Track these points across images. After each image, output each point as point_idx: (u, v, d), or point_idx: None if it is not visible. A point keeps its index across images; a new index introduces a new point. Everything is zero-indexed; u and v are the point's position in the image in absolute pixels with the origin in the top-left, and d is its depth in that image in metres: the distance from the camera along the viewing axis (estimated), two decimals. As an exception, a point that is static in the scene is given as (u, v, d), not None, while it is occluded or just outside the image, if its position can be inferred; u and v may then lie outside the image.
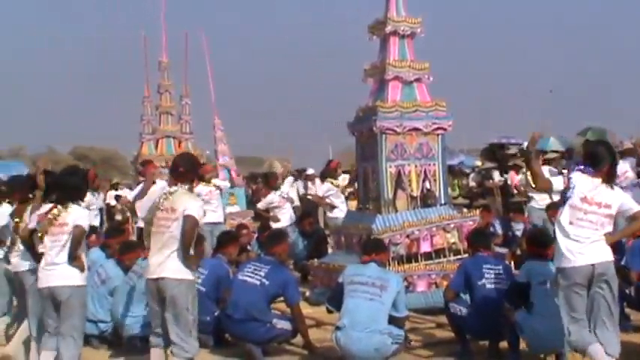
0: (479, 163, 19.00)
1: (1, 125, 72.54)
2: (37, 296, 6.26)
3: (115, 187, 21.44)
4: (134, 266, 7.60)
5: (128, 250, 7.92)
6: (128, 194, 18.62)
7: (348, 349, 6.31)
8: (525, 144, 17.32)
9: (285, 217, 12.85)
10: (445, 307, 7.04)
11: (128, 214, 14.20)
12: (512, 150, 17.39)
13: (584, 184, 5.72)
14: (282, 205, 12.96)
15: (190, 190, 6.13)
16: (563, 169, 13.88)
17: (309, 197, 16.06)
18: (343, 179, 15.51)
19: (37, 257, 6.29)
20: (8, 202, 7.45)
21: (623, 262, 7.25)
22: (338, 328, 6.37)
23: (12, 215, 7.16)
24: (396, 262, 8.74)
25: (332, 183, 13.68)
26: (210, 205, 10.67)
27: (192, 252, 5.95)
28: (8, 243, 7.09)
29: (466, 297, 7.04)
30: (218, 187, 12.20)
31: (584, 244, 5.63)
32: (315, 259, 10.02)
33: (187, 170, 6.12)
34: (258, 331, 6.89)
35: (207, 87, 16.84)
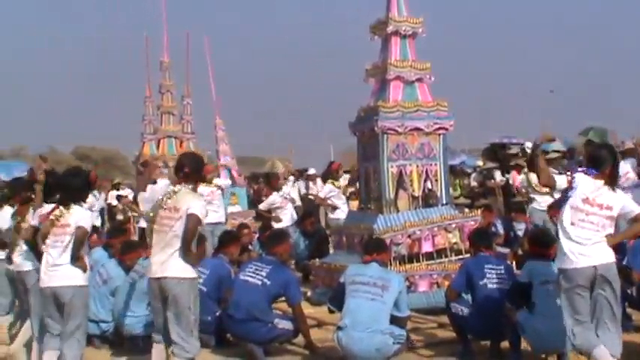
0: (480, 162, 18.99)
1: (3, 125, 72.63)
2: (40, 296, 6.26)
3: (116, 187, 21.38)
4: (135, 266, 7.61)
5: (129, 250, 7.93)
6: (130, 194, 18.69)
7: (349, 349, 6.31)
8: (527, 144, 17.45)
9: (286, 218, 12.86)
10: (447, 307, 7.04)
11: (130, 214, 14.20)
12: (514, 150, 17.39)
13: (587, 185, 5.73)
14: (284, 206, 12.98)
15: (194, 189, 6.14)
16: (566, 171, 13.89)
17: (310, 197, 16.08)
18: (344, 179, 15.54)
19: (40, 257, 6.30)
20: (10, 205, 7.45)
21: (624, 262, 7.25)
22: (339, 328, 6.37)
23: (13, 216, 7.17)
24: (398, 262, 8.74)
25: (333, 184, 13.71)
26: (211, 205, 10.68)
27: (193, 249, 5.97)
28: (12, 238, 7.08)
29: (468, 297, 7.04)
30: (220, 187, 12.21)
31: (585, 246, 5.63)
32: (317, 259, 10.02)
33: (192, 171, 6.13)
34: (259, 331, 6.90)
35: (209, 87, 16.86)
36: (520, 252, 10.52)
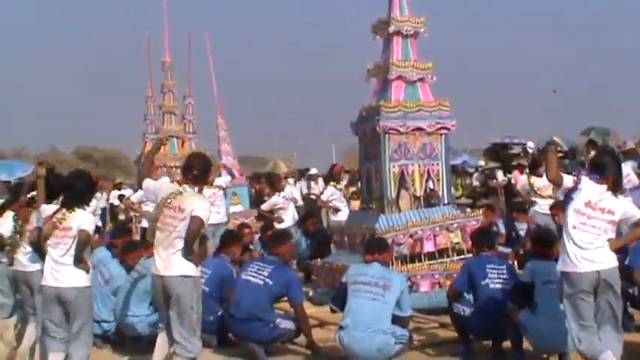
0: (482, 162, 19.00)
1: (4, 125, 72.74)
2: (42, 296, 6.26)
3: (118, 186, 21.46)
4: (137, 266, 7.61)
5: (130, 250, 7.93)
6: (131, 194, 18.71)
7: (351, 349, 6.31)
8: (529, 143, 17.41)
9: (288, 218, 12.90)
10: (449, 307, 7.04)
11: (131, 214, 14.20)
12: (516, 150, 17.40)
13: (590, 189, 5.75)
14: (286, 207, 13.00)
15: (200, 191, 6.14)
16: (568, 172, 13.87)
17: (312, 197, 16.09)
18: (344, 180, 15.55)
19: (44, 258, 6.30)
20: (12, 210, 7.46)
21: (626, 262, 7.25)
22: (341, 328, 6.37)
23: (15, 218, 7.16)
24: (400, 262, 8.74)
25: (335, 187, 13.74)
26: (213, 206, 10.66)
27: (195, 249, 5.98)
28: (13, 239, 7.07)
29: (470, 297, 7.03)
30: (221, 188, 12.22)
31: (588, 250, 5.64)
32: (319, 259, 10.02)
33: (201, 174, 6.14)
34: (261, 330, 6.90)
35: (211, 87, 16.86)
36: (522, 252, 10.50)
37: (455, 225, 9.13)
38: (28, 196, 7.26)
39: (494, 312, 6.62)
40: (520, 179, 13.49)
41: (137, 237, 11.81)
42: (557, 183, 5.95)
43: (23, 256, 6.84)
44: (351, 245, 9.63)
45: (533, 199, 12.19)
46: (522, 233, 11.38)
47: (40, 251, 6.36)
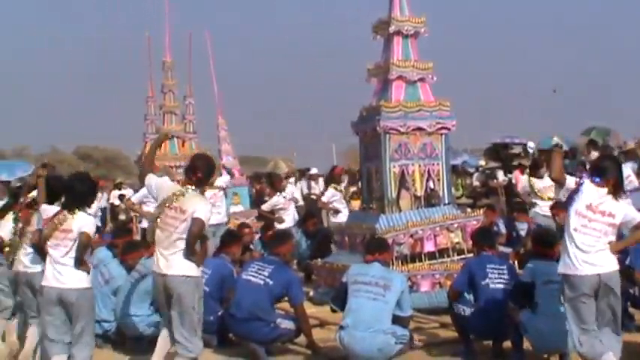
0: (482, 162, 19.00)
1: (5, 125, 72.63)
2: (42, 297, 6.24)
3: (118, 186, 21.45)
4: (137, 266, 7.61)
5: (131, 250, 7.93)
6: (132, 194, 18.71)
7: (351, 349, 6.31)
8: (529, 143, 17.39)
9: (288, 218, 12.90)
10: (449, 307, 7.04)
11: (132, 214, 14.21)
12: (516, 149, 17.40)
13: (591, 192, 5.77)
14: (287, 207, 13.01)
15: (202, 192, 6.14)
16: (569, 172, 13.85)
17: (312, 197, 16.09)
18: (343, 180, 15.56)
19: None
20: (13, 212, 7.47)
21: (627, 263, 7.24)
22: (341, 328, 6.38)
23: (15, 220, 7.16)
24: (400, 262, 8.74)
25: (335, 189, 13.74)
26: (214, 207, 10.68)
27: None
28: (14, 241, 7.05)
29: (470, 297, 7.03)
30: (221, 188, 12.23)
31: (589, 254, 5.65)
32: (319, 259, 10.02)
33: (205, 177, 6.16)
34: (261, 330, 6.90)
35: (211, 87, 16.86)
36: (522, 252, 10.50)
37: (455, 225, 9.13)
38: (29, 197, 7.26)
39: (494, 312, 6.62)
40: (521, 180, 13.49)
41: (138, 237, 11.82)
42: (560, 182, 5.96)
43: (25, 257, 6.82)
44: (352, 245, 9.63)
45: (534, 200, 12.18)
46: (523, 233, 11.37)
47: (41, 252, 6.35)
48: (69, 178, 6.55)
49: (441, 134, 9.42)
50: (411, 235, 8.94)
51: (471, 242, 8.50)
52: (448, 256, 9.05)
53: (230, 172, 14.48)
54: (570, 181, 5.89)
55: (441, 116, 9.38)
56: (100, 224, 16.48)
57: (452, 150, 11.42)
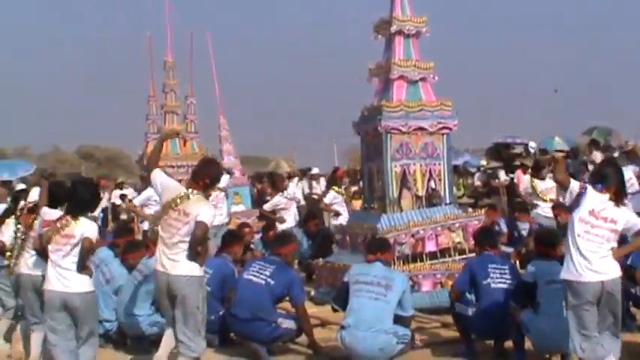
0: (484, 162, 19.00)
1: (7, 125, 72.69)
2: (45, 300, 6.22)
3: (120, 186, 21.42)
4: (139, 265, 7.61)
5: (132, 250, 7.92)
6: (133, 194, 18.68)
7: (353, 349, 6.31)
8: (531, 143, 17.38)
9: (290, 218, 12.91)
10: (451, 307, 7.04)
11: (133, 214, 14.21)
12: (518, 149, 17.39)
13: (593, 198, 5.77)
14: (289, 207, 13.01)
15: (207, 197, 6.14)
16: (570, 172, 13.85)
17: (314, 197, 16.09)
18: (345, 183, 15.59)
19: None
20: (14, 217, 7.47)
21: (629, 262, 7.24)
22: (343, 328, 6.37)
23: (16, 223, 7.15)
24: (401, 262, 8.74)
25: (337, 191, 13.74)
26: (216, 208, 10.70)
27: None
28: (16, 246, 7.03)
29: (472, 297, 7.03)
30: (222, 189, 12.23)
31: (593, 260, 5.65)
32: (320, 259, 10.02)
33: (212, 183, 6.18)
34: (263, 330, 6.90)
35: (212, 86, 16.85)
36: (524, 251, 10.50)
37: (457, 225, 9.13)
38: (30, 202, 7.26)
39: (496, 312, 6.62)
40: (523, 180, 13.48)
41: (139, 237, 11.82)
42: (563, 184, 5.95)
43: (29, 261, 6.77)
44: (353, 245, 9.63)
45: (535, 202, 12.18)
46: (524, 233, 11.36)
47: (44, 255, 6.33)
48: (72, 185, 6.53)
49: (443, 134, 9.42)
50: (413, 235, 8.94)
51: (472, 242, 8.50)
52: (449, 255, 9.05)
53: (230, 172, 14.49)
54: (574, 185, 5.88)
55: (443, 116, 9.38)
56: (101, 224, 16.47)
57: (453, 150, 11.41)
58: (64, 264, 5.97)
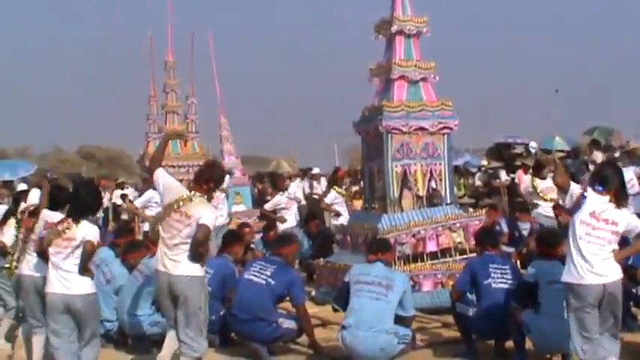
0: (485, 162, 18.99)
1: (8, 125, 72.68)
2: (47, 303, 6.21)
3: (120, 186, 21.42)
4: (139, 265, 7.61)
5: (132, 250, 7.93)
6: (134, 194, 18.68)
7: (354, 349, 6.31)
8: (532, 143, 17.36)
9: (291, 218, 12.91)
10: (452, 307, 7.04)
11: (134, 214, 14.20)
12: (519, 149, 17.39)
13: (594, 200, 5.77)
14: (289, 207, 13.00)
15: (209, 200, 6.14)
16: (572, 172, 13.85)
17: (314, 197, 16.10)
18: (345, 183, 15.59)
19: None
20: (14, 217, 7.47)
21: (630, 262, 7.23)
22: (344, 328, 6.37)
23: (18, 226, 7.15)
24: (402, 262, 8.74)
25: (337, 192, 13.74)
26: (217, 210, 10.70)
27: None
28: (18, 249, 7.02)
29: (473, 297, 7.03)
30: (223, 190, 12.23)
31: (594, 262, 5.64)
32: (321, 259, 10.02)
33: (215, 186, 6.19)
34: (264, 330, 6.89)
35: (213, 86, 16.84)
36: (525, 251, 10.49)
37: (457, 225, 9.13)
38: (31, 205, 7.25)
39: (497, 312, 6.61)
40: (524, 180, 13.48)
41: (140, 237, 11.82)
42: (564, 188, 5.95)
43: (30, 262, 6.75)
44: (354, 245, 9.63)
45: (536, 201, 12.17)
46: (525, 233, 11.36)
47: (44, 257, 6.32)
48: (74, 188, 6.53)
49: (444, 134, 9.42)
50: (413, 235, 8.94)
51: (473, 242, 8.50)
52: (450, 255, 9.05)
53: (230, 173, 14.49)
54: (574, 188, 5.88)
55: (444, 116, 9.38)
56: (102, 224, 16.48)
57: (454, 150, 11.42)
58: (65, 266, 5.96)
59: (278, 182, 13.69)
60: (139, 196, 14.16)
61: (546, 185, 11.79)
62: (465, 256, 8.88)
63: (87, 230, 6.02)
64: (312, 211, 13.77)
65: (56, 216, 6.39)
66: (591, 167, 13.48)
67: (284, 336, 7.04)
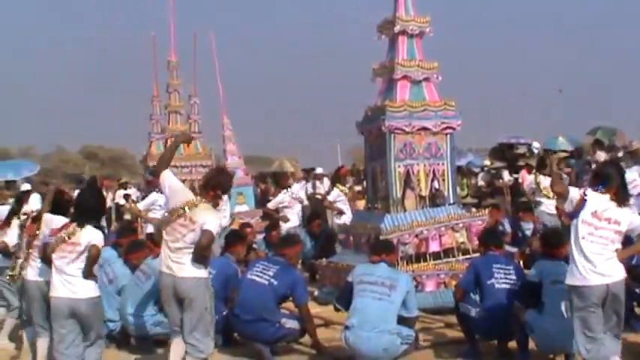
0: (487, 162, 18.99)
1: (11, 125, 72.84)
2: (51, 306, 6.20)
3: (123, 186, 21.47)
4: (142, 266, 7.61)
5: (135, 250, 7.93)
6: (136, 194, 18.69)
7: (357, 349, 6.30)
8: (534, 143, 17.37)
9: (294, 218, 12.89)
10: (455, 307, 7.03)
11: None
12: (522, 150, 17.39)
13: (595, 200, 5.76)
14: (292, 206, 12.99)
15: (215, 205, 6.13)
16: (576, 173, 13.85)
17: (317, 197, 16.10)
18: (348, 181, 15.58)
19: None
20: (17, 218, 7.47)
21: (633, 262, 7.22)
22: (347, 328, 6.37)
23: (21, 227, 7.15)
24: (405, 262, 8.73)
25: (340, 189, 13.73)
26: (220, 211, 10.70)
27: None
28: (22, 255, 7.01)
29: (476, 297, 7.02)
30: None
31: (597, 262, 5.63)
32: (324, 259, 10.02)
33: (223, 193, 6.19)
34: (267, 330, 6.89)
35: (216, 86, 16.85)
36: (528, 252, 10.49)
37: (460, 225, 9.12)
38: (33, 211, 7.24)
39: (500, 312, 6.60)
40: (527, 179, 13.48)
41: (143, 237, 11.83)
42: (563, 196, 5.94)
43: (35, 267, 6.74)
44: (357, 245, 9.63)
45: (539, 199, 12.16)
46: (528, 233, 11.36)
47: (48, 262, 6.31)
48: (79, 194, 6.52)
49: (446, 134, 9.41)
50: (416, 235, 8.93)
51: (475, 242, 8.49)
52: (453, 256, 9.03)
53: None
54: (574, 193, 5.86)
55: (446, 116, 9.37)
56: (105, 224, 16.49)
57: (457, 150, 11.41)
58: (69, 271, 5.96)
59: (281, 180, 13.68)
60: (142, 196, 14.18)
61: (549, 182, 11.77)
62: (467, 256, 8.88)
63: (92, 235, 6.02)
64: (315, 211, 13.76)
65: (59, 220, 6.37)
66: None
67: (287, 336, 7.04)
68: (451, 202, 9.39)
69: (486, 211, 9.96)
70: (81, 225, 6.03)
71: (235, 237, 8.25)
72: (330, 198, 13.82)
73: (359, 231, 9.62)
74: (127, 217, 17.28)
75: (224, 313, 7.32)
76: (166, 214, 6.14)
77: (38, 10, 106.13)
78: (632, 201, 7.13)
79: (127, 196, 18.05)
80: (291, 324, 7.00)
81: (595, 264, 5.62)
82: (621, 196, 5.83)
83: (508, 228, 11.62)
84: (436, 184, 9.46)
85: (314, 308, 7.94)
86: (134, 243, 8.24)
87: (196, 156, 15.39)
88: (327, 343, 7.18)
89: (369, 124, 9.75)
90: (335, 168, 16.95)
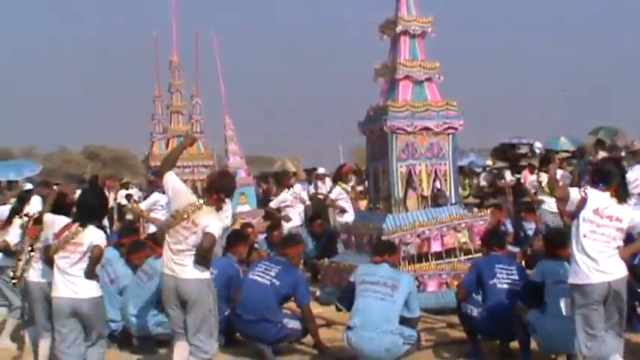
0: (489, 162, 18.98)
1: (13, 125, 72.93)
2: (53, 307, 6.20)
3: (125, 186, 21.46)
4: (144, 266, 7.62)
5: (136, 250, 7.93)
6: (138, 194, 18.69)
7: (359, 349, 6.30)
8: (536, 143, 17.35)
9: (296, 217, 12.88)
10: (457, 307, 7.03)
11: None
12: (524, 150, 17.37)
13: (596, 197, 5.76)
14: (294, 205, 12.98)
15: (218, 209, 6.13)
16: (579, 173, 13.83)
17: (319, 197, 16.10)
18: (350, 179, 15.55)
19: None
20: (19, 217, 7.46)
21: (635, 261, 7.21)
22: (349, 328, 6.37)
23: (23, 228, 7.15)
24: (407, 262, 8.73)
25: (342, 187, 13.72)
26: (222, 212, 10.68)
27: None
28: (24, 258, 7.00)
29: (479, 297, 7.02)
30: None
31: (599, 260, 5.63)
32: (325, 259, 10.02)
33: (226, 196, 6.20)
34: (269, 331, 6.89)
35: (218, 86, 16.85)
36: (530, 252, 10.48)
37: (462, 225, 9.11)
38: (34, 213, 7.24)
39: (502, 312, 6.60)
40: (529, 179, 13.48)
41: (144, 237, 11.83)
42: (564, 199, 5.94)
43: (38, 268, 6.73)
44: (358, 245, 9.63)
45: (541, 197, 12.14)
46: (530, 233, 11.36)
47: (50, 264, 6.30)
48: (81, 194, 6.52)
49: (448, 134, 9.40)
50: (418, 235, 8.93)
51: (477, 242, 8.49)
52: (455, 256, 9.03)
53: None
54: (574, 194, 5.86)
55: (448, 116, 9.36)
56: (107, 224, 16.50)
57: (459, 150, 11.41)
58: (71, 271, 5.96)
59: (283, 179, 13.67)
60: (144, 196, 14.17)
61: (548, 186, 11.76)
62: (469, 257, 8.88)
63: (94, 235, 6.02)
64: (317, 211, 13.76)
65: (60, 219, 6.36)
66: (597, 167, 13.44)
67: (289, 336, 7.04)
68: (453, 202, 9.38)
69: (488, 211, 9.97)
70: (83, 225, 6.03)
71: (237, 237, 8.25)
72: (332, 196, 13.79)
73: (361, 231, 9.62)
74: (129, 217, 17.29)
75: (226, 313, 7.31)
76: (170, 217, 6.13)
77: (40, 11, 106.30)
78: (633, 201, 7.10)
79: (129, 196, 18.05)
80: (293, 324, 7.00)
81: (597, 262, 5.62)
82: (621, 193, 5.82)
83: (510, 228, 11.63)
84: (438, 184, 9.46)
85: (316, 308, 7.94)
86: (136, 243, 8.24)
87: (198, 156, 15.40)
88: (329, 343, 7.18)
89: (371, 124, 9.75)
90: (338, 166, 16.94)
